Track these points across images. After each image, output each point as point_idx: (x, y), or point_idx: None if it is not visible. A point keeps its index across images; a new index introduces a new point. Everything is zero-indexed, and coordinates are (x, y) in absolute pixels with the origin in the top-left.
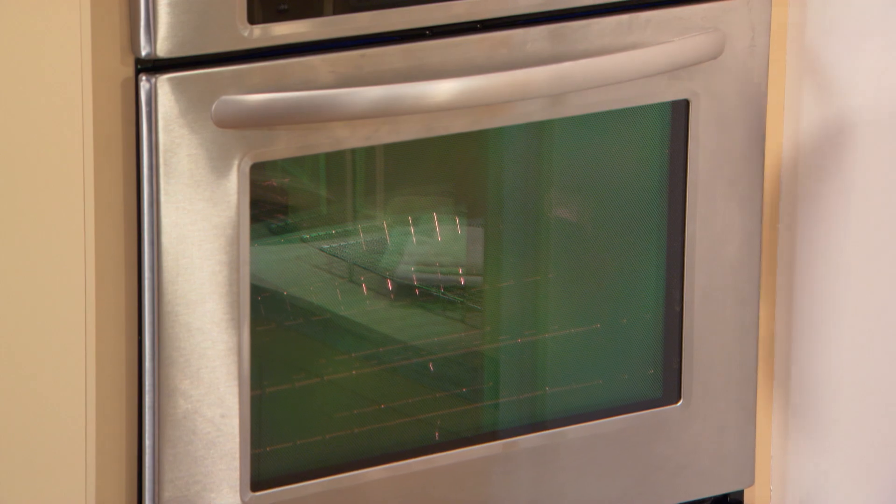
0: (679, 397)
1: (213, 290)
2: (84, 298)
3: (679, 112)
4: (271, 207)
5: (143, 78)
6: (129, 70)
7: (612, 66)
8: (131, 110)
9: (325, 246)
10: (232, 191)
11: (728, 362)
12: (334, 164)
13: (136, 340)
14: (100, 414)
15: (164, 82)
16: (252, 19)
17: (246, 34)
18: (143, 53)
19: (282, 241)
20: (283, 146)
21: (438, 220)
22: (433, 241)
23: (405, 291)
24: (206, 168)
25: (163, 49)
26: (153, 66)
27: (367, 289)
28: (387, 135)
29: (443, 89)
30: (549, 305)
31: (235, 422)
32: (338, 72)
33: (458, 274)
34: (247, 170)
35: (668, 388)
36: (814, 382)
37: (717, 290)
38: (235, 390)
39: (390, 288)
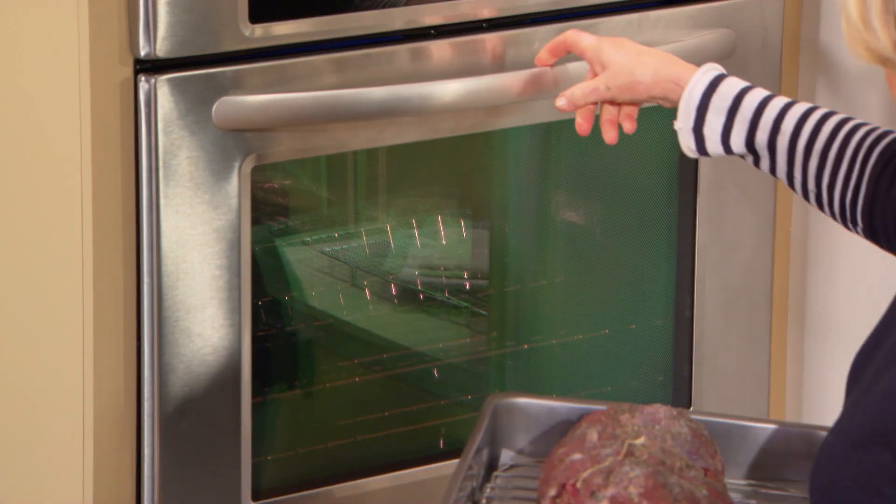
0: (689, 404)
1: (214, 294)
2: (82, 303)
3: None
4: (273, 210)
5: (143, 79)
6: (129, 70)
7: None
8: (130, 111)
9: (328, 249)
10: (233, 193)
11: (739, 369)
12: (337, 167)
13: (135, 346)
14: (98, 422)
15: (163, 83)
16: (254, 18)
17: (247, 33)
18: (143, 53)
19: (283, 245)
20: (285, 148)
21: (443, 223)
22: (438, 244)
23: (409, 296)
24: (207, 170)
25: (162, 49)
26: (152, 67)
27: (371, 293)
28: (391, 136)
29: (449, 90)
30: (557, 310)
31: (237, 430)
32: (341, 72)
33: (463, 278)
34: (248, 172)
35: (679, 394)
36: (826, 388)
37: (728, 294)
38: (237, 397)
39: (394, 292)
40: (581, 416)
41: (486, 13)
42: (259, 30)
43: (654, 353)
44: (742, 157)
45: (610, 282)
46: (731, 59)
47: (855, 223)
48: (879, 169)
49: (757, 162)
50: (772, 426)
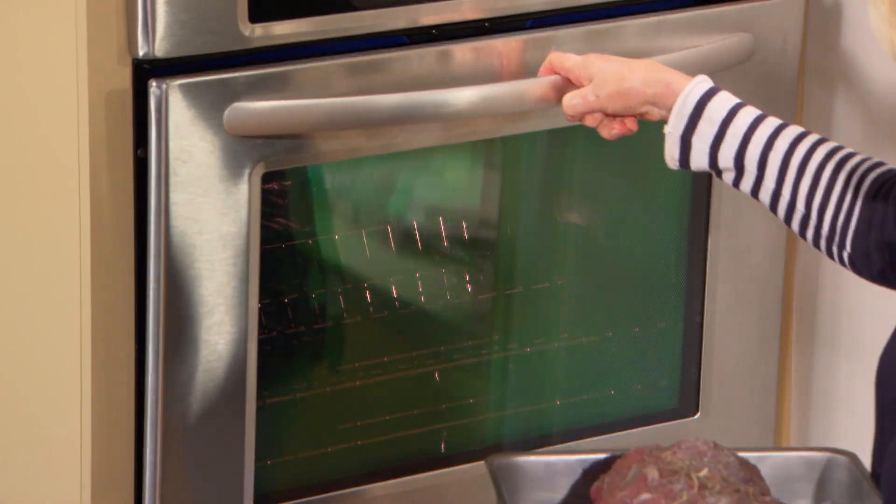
0: (697, 410)
1: (221, 301)
2: (80, 303)
3: None
4: (282, 217)
5: (154, 84)
6: (127, 71)
7: None
8: (129, 112)
9: (336, 257)
10: (242, 200)
11: (748, 374)
12: (348, 173)
13: (133, 347)
14: (95, 423)
15: (175, 89)
16: (253, 18)
17: (247, 33)
18: (141, 53)
19: (291, 252)
20: (297, 154)
21: (452, 226)
22: (443, 247)
23: (412, 300)
24: (217, 177)
25: (161, 49)
26: (151, 67)
27: (371, 296)
28: (404, 142)
29: (463, 97)
30: (566, 314)
31: (241, 437)
32: (354, 77)
33: (466, 281)
34: (258, 178)
35: (686, 399)
36: (835, 397)
37: (739, 300)
38: (242, 405)
39: (395, 295)
40: (579, 468)
41: (488, 13)
42: (259, 29)
43: (663, 356)
44: (717, 173)
45: (620, 285)
46: (749, 63)
47: (842, 247)
48: (872, 195)
49: (738, 179)
50: (774, 454)
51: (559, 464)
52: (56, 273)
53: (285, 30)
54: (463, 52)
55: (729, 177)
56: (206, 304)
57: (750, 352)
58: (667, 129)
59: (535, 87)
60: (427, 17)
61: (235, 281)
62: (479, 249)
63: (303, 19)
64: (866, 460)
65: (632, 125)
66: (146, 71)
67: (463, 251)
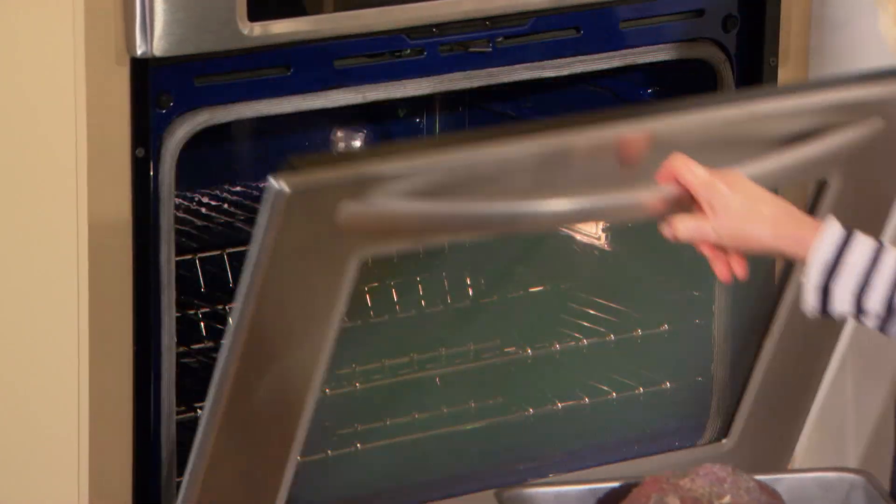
0: (727, 434)
1: (293, 375)
2: (77, 310)
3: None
4: (367, 301)
5: (274, 182)
6: (125, 70)
7: (756, 171)
8: (127, 112)
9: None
10: (334, 284)
11: (786, 403)
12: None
13: (131, 347)
14: (94, 424)
15: (300, 193)
16: (252, 17)
17: (246, 32)
18: (139, 52)
19: (370, 334)
20: (399, 244)
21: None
22: (445, 250)
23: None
24: (315, 263)
25: (159, 48)
26: (152, 67)
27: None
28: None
29: (578, 206)
30: (586, 317)
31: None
32: (468, 179)
33: (467, 285)
34: (356, 262)
35: (718, 424)
36: (849, 417)
37: (796, 337)
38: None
39: (395, 299)
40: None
41: (488, 12)
42: (258, 28)
43: (698, 356)
44: (858, 316)
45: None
46: (868, 145)
47: None
48: None
49: (885, 324)
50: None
51: (570, 494)
52: (54, 273)
53: (284, 28)
54: (579, 147)
55: (874, 321)
56: (276, 379)
57: (796, 384)
58: (803, 280)
59: (652, 199)
60: (427, 16)
61: (311, 345)
62: (482, 253)
63: (302, 18)
64: (883, 482)
65: (744, 273)
66: (144, 70)
67: (466, 255)
